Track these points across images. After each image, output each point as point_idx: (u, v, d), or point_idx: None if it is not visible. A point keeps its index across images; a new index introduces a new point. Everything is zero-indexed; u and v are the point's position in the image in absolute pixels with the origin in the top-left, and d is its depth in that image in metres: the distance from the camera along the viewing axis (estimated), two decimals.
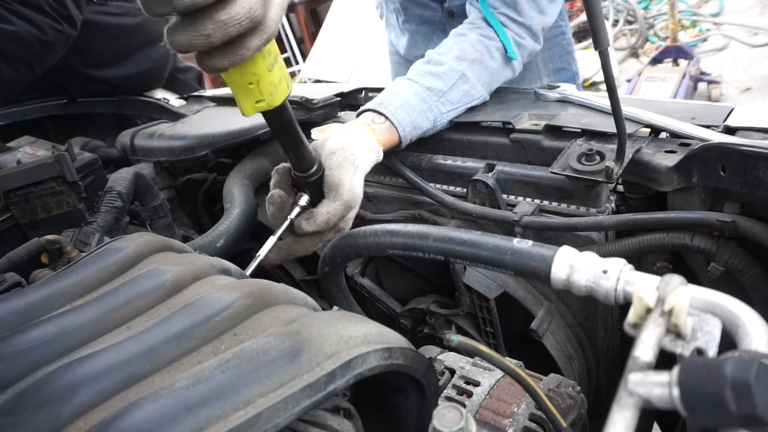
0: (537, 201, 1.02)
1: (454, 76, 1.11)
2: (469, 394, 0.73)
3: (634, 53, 5.36)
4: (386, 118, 1.05)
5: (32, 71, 1.34)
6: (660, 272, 0.93)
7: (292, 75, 5.95)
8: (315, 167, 0.91)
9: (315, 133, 1.13)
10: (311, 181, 0.92)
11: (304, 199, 0.94)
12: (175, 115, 1.60)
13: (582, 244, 0.96)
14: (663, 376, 0.38)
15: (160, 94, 1.81)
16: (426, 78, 1.11)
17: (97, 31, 1.54)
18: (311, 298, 0.66)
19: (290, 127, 0.84)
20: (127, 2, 1.74)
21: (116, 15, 1.70)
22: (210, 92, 1.74)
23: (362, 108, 1.10)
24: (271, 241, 0.94)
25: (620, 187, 1.02)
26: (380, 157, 1.02)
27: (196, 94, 1.74)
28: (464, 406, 0.71)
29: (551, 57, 1.63)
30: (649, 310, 0.45)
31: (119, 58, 1.75)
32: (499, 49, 1.16)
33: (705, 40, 5.16)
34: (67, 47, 1.41)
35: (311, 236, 0.94)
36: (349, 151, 0.94)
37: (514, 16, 1.16)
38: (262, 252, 0.93)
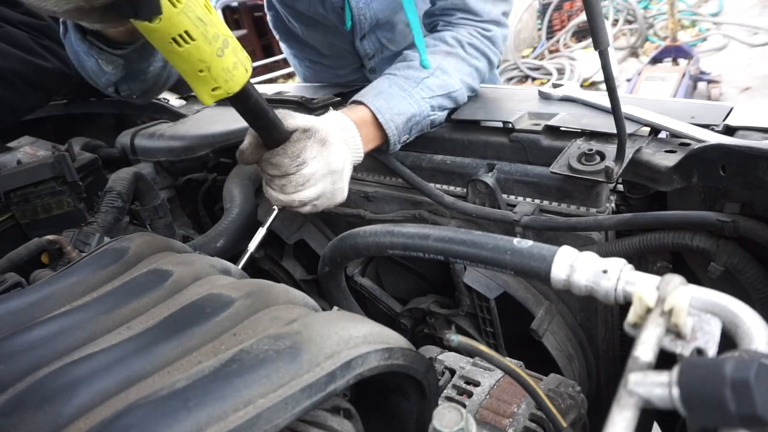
0: (537, 201, 1.02)
1: (431, 68, 1.11)
2: (469, 394, 0.73)
3: (633, 53, 5.36)
4: (364, 105, 1.04)
5: (49, 100, 1.41)
6: (660, 272, 0.93)
7: (292, 75, 5.93)
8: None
9: None
10: None
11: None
12: (175, 115, 1.60)
13: (582, 244, 0.96)
14: (663, 376, 0.38)
15: (160, 94, 1.80)
16: (402, 70, 1.11)
17: None
18: (311, 298, 0.66)
19: (259, 111, 0.82)
20: None
21: None
22: None
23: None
24: (261, 233, 0.95)
25: (620, 187, 1.02)
26: (347, 125, 0.99)
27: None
28: (464, 406, 0.71)
29: None
30: (649, 310, 0.45)
31: None
32: (471, 44, 1.16)
33: (705, 39, 5.16)
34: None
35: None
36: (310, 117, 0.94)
37: (473, 18, 1.18)
38: (252, 246, 0.94)
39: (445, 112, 1.14)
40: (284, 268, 1.43)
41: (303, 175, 0.88)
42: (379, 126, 1.03)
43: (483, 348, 0.58)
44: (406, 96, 1.07)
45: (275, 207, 0.96)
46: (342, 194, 0.96)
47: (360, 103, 1.04)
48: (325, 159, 0.90)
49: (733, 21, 5.14)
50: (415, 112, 1.07)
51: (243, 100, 0.78)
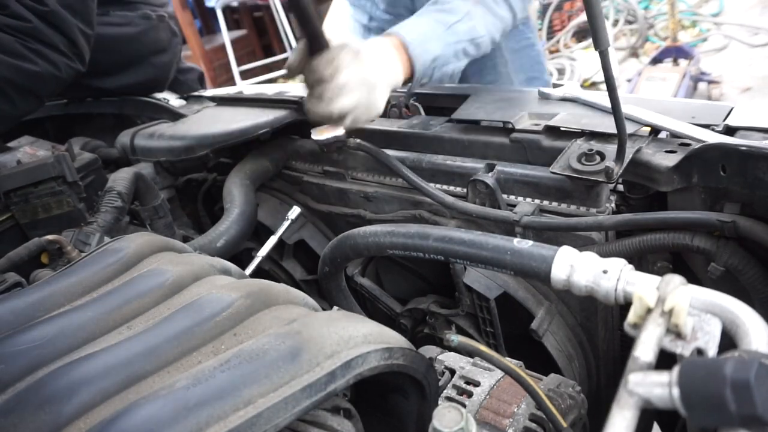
0: (537, 201, 1.02)
1: (460, 13, 1.16)
2: (469, 394, 0.73)
3: (634, 53, 5.35)
4: (397, 37, 1.08)
5: (42, 104, 1.40)
6: (660, 272, 0.93)
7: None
8: None
9: (314, 133, 1.13)
10: None
11: (294, 212, 1.02)
12: (175, 115, 1.60)
13: (582, 244, 0.95)
14: (663, 376, 0.38)
15: (160, 94, 1.80)
16: (433, 13, 1.17)
17: (98, 41, 1.53)
18: (311, 298, 0.67)
19: (309, 16, 0.89)
20: (128, 12, 1.73)
21: (118, 25, 1.69)
22: (210, 92, 1.74)
23: None
24: (272, 240, 0.95)
25: (620, 187, 1.02)
26: (385, 46, 1.05)
27: (196, 94, 1.73)
28: (464, 406, 0.71)
29: (522, 67, 1.68)
30: (649, 310, 0.45)
31: (120, 67, 1.74)
32: None
33: (705, 40, 5.16)
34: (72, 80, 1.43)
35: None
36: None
37: None
38: (263, 252, 0.94)
39: (464, 63, 1.20)
40: (284, 268, 1.43)
41: (338, 83, 0.94)
42: (408, 59, 1.08)
43: (483, 348, 0.58)
44: (435, 38, 1.12)
45: (289, 216, 0.98)
46: (378, 107, 1.01)
47: (394, 35, 1.10)
48: (359, 68, 0.96)
49: (733, 21, 5.14)
50: (440, 53, 1.13)
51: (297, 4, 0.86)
